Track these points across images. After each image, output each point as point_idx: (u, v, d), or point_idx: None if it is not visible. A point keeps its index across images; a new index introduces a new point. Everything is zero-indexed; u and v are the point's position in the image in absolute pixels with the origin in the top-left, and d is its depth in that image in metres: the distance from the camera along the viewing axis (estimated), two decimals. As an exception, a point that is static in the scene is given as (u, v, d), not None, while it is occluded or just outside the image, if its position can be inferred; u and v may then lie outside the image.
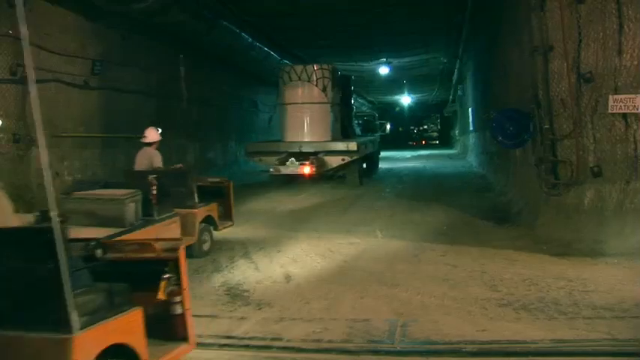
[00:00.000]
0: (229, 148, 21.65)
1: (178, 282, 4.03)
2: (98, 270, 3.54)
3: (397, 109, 51.80)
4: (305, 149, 16.20)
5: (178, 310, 4.09)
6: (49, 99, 10.90)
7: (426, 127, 65.96)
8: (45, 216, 3.60)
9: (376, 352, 4.63)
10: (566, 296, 5.80)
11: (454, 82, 32.33)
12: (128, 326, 3.55)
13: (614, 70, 7.60)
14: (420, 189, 16.46)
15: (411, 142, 55.79)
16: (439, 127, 62.29)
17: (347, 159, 16.22)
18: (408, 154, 37.01)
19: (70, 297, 3.05)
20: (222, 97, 20.52)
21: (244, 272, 7.38)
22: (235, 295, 6.38)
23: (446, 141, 53.08)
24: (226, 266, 7.72)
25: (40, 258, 3.17)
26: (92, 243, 3.91)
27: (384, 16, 17.67)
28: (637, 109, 7.45)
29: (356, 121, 25.09)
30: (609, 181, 7.76)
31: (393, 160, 29.35)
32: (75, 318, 3.06)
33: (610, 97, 7.61)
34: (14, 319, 2.97)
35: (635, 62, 7.47)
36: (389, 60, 25.65)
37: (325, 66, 17.63)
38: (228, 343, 4.92)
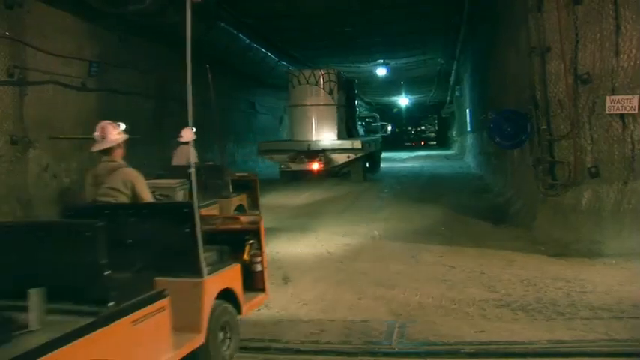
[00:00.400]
0: (227, 148, 21.63)
1: (259, 247, 5.26)
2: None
3: (395, 110, 51.83)
4: (313, 147, 17.49)
5: (258, 268, 5.26)
6: (47, 100, 10.90)
7: (423, 128, 66.00)
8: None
9: (374, 353, 4.63)
10: (564, 297, 5.80)
11: (451, 83, 32.36)
12: (232, 276, 4.75)
13: (612, 71, 7.63)
14: (418, 190, 16.45)
15: (408, 144, 55.82)
16: (437, 128, 62.35)
17: (352, 156, 17.49)
18: (405, 155, 37.05)
19: (202, 253, 4.24)
20: (220, 98, 20.46)
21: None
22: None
23: (443, 142, 53.13)
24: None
25: (182, 225, 4.32)
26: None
27: (382, 17, 17.71)
28: (634, 110, 7.48)
29: (359, 123, 26.27)
30: (607, 182, 7.78)
31: (391, 160, 29.38)
32: (204, 268, 4.26)
33: (607, 97, 7.64)
34: (170, 269, 4.13)
35: (632, 63, 7.50)
36: (386, 61, 25.67)
37: (331, 70, 19.24)
38: (226, 344, 4.91)
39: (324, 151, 17.39)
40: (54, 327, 3.09)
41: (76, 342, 3.06)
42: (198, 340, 4.14)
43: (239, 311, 4.78)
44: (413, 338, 4.91)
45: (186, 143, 9.94)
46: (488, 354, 4.54)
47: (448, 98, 39.10)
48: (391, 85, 34.48)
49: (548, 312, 5.37)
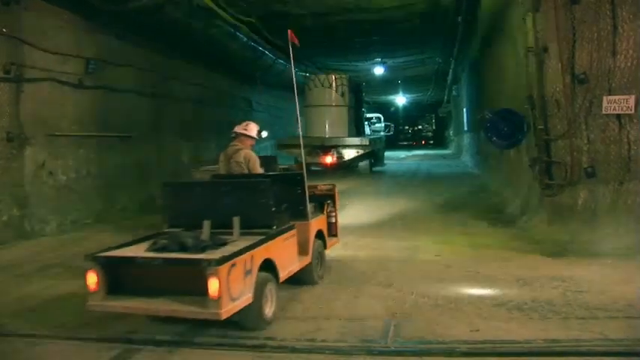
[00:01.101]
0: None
1: (333, 206, 7.53)
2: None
3: (392, 109, 51.92)
4: (327, 143, 19.81)
5: (333, 220, 7.53)
6: (44, 98, 10.89)
7: (420, 127, 66.10)
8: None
9: (370, 352, 4.62)
10: (559, 296, 5.80)
11: (449, 82, 32.41)
12: (322, 223, 7.16)
13: (609, 71, 7.62)
14: (415, 189, 16.49)
15: (405, 143, 55.89)
16: (434, 127, 62.45)
17: (360, 152, 19.98)
18: (402, 154, 37.12)
19: (308, 204, 6.57)
20: (217, 96, 20.49)
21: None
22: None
23: (441, 141, 53.21)
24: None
25: (297, 186, 6.58)
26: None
27: (380, 16, 17.73)
28: (631, 110, 7.47)
29: (365, 122, 28.38)
30: (603, 182, 7.78)
31: (388, 159, 29.32)
32: (309, 214, 6.59)
33: (604, 98, 7.63)
34: (284, 219, 6.11)
35: (629, 63, 7.49)
36: (384, 60, 25.68)
37: (343, 75, 22.21)
38: (222, 342, 4.91)
39: (336, 146, 19.61)
40: (246, 239, 5.41)
41: (260, 246, 5.31)
42: (307, 260, 6.49)
43: (325, 247, 7.18)
44: (408, 337, 4.91)
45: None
46: (483, 353, 4.54)
47: (445, 97, 39.18)
48: (389, 84, 34.56)
49: (544, 311, 5.37)
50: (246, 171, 7.43)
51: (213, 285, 4.59)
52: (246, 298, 4.91)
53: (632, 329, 4.85)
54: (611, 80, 7.61)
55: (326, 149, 18.89)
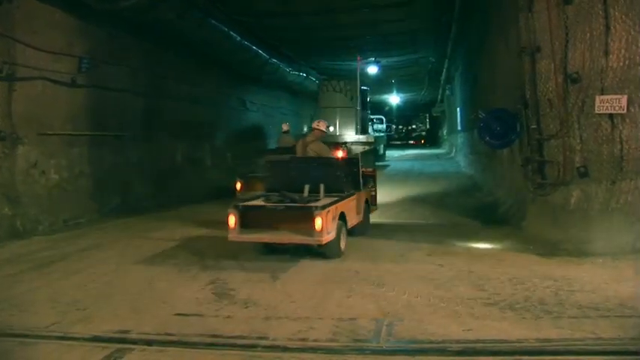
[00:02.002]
0: (217, 147, 21.56)
1: (374, 184, 10.53)
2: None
3: (386, 108, 51.91)
4: (338, 140, 21.68)
5: (373, 193, 10.37)
6: (36, 97, 10.84)
7: (414, 126, 66.11)
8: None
9: (362, 352, 4.62)
10: (552, 296, 5.82)
11: (442, 81, 32.45)
12: (368, 194, 9.93)
13: (601, 71, 7.63)
14: (408, 189, 16.49)
15: (399, 142, 55.96)
16: (428, 126, 62.44)
17: (366, 148, 22.07)
18: (395, 153, 37.16)
19: (361, 179, 9.43)
20: (210, 96, 20.44)
21: (230, 271, 7.36)
22: (222, 294, 6.35)
23: (434, 141, 53.28)
24: (212, 266, 7.70)
25: (355, 166, 9.35)
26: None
27: (373, 15, 17.72)
28: (623, 110, 7.49)
29: (369, 123, 30.95)
30: (595, 181, 7.80)
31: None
32: (361, 186, 9.35)
33: (596, 97, 7.64)
34: (349, 188, 8.73)
35: (622, 63, 7.50)
36: (378, 59, 25.71)
37: (353, 81, 24.65)
38: (214, 342, 4.90)
39: (345, 143, 21.42)
40: (328, 198, 7.95)
41: (339, 203, 7.92)
42: (360, 218, 9.23)
43: (369, 212, 9.99)
44: (401, 337, 4.91)
45: (287, 132, 16.68)
46: (475, 352, 4.55)
47: (439, 97, 39.19)
48: (382, 84, 34.50)
49: (537, 311, 5.38)
50: (316, 155, 9.55)
51: (318, 222, 7.24)
52: (332, 234, 7.60)
53: (624, 328, 4.85)
54: (604, 80, 7.62)
55: (337, 145, 19.25)
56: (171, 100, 16.83)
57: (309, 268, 7.48)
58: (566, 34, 7.89)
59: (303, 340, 4.88)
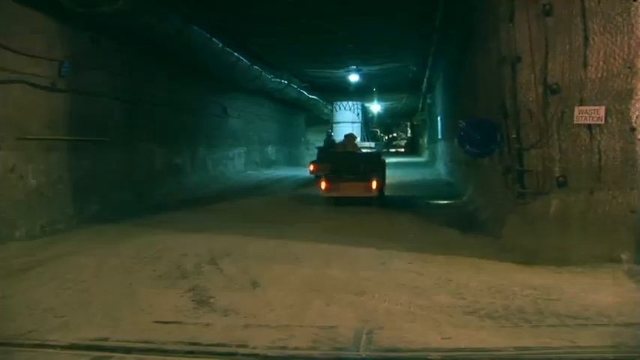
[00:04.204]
0: (198, 153, 21.52)
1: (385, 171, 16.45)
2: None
3: (369, 115, 52.10)
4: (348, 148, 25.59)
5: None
6: (14, 100, 10.70)
7: (395, 134, 66.39)
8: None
9: (342, 360, 4.63)
10: (530, 304, 5.85)
11: (423, 90, 32.57)
12: (384, 177, 15.49)
13: (580, 82, 7.70)
14: (389, 196, 16.54)
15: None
16: (409, 135, 62.74)
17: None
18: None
19: (382, 169, 15.81)
20: (191, 102, 20.40)
21: (210, 278, 7.33)
22: (201, 301, 6.32)
23: (415, 149, 53.51)
24: (192, 272, 7.67)
25: (379, 158, 16.20)
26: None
27: (356, 24, 17.82)
28: (601, 121, 7.56)
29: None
30: (574, 191, 7.87)
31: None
32: (382, 170, 15.55)
33: (576, 108, 7.72)
34: (359, 176, 14.12)
35: (600, 75, 7.58)
36: (359, 67, 25.90)
37: (358, 103, 38.26)
38: (193, 350, 4.88)
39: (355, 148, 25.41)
40: (370, 176, 14.18)
41: (377, 177, 14.24)
42: (382, 187, 14.69)
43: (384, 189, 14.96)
44: (380, 345, 4.90)
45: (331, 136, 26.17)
46: (455, 361, 4.57)
47: (420, 105, 39.37)
48: (364, 92, 34.66)
49: (515, 319, 5.41)
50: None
51: (374, 184, 13.66)
52: (377, 192, 13.88)
53: (602, 337, 4.89)
54: (583, 91, 7.69)
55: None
56: (152, 106, 16.78)
57: (289, 275, 7.47)
58: (546, 45, 7.98)
59: (283, 348, 4.86)
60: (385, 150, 56.91)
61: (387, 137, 63.53)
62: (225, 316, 5.78)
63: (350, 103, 37.14)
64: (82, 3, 11.39)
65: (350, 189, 13.99)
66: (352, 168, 14.36)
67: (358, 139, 28.19)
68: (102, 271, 7.85)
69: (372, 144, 31.08)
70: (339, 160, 15.39)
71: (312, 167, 20.50)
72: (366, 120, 40.33)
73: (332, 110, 39.21)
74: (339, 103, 37.70)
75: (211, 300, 6.35)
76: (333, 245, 9.27)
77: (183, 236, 10.38)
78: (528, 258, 7.72)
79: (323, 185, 14.13)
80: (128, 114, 15.25)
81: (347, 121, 36.75)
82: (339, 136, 29.54)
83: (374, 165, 14.85)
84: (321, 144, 28.22)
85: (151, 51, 16.05)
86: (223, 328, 5.40)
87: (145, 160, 16.47)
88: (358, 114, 38.09)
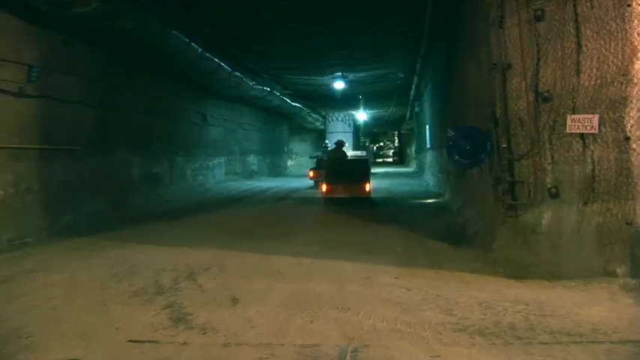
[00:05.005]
0: (176, 163, 21.44)
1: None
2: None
3: (357, 124, 52.23)
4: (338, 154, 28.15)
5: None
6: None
7: (382, 144, 66.53)
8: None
9: (325, 380, 4.59)
10: (522, 320, 5.85)
11: (411, 98, 32.64)
12: (370, 182, 17.85)
13: (573, 90, 7.75)
14: (375, 209, 16.58)
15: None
16: (396, 144, 62.90)
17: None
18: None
19: (370, 173, 19.03)
20: (169, 109, 20.35)
21: (188, 294, 7.27)
22: (178, 318, 6.26)
23: (403, 159, 53.68)
24: (169, 288, 7.60)
25: (365, 164, 19.08)
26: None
27: (342, 29, 17.86)
28: (595, 130, 7.61)
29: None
30: (567, 203, 7.90)
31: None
32: (370, 178, 18.63)
33: (568, 116, 7.77)
34: (354, 179, 17.31)
35: (593, 82, 7.63)
36: (345, 74, 25.92)
37: (350, 114, 42.98)
38: (169, 370, 4.82)
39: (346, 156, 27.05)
40: (362, 180, 17.40)
41: (368, 180, 17.75)
42: (367, 194, 17.13)
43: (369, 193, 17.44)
44: (366, 364, 4.88)
45: (343, 145, 23.24)
46: (443, 380, 4.54)
47: (408, 114, 39.43)
48: (349, 99, 34.72)
49: (507, 336, 5.40)
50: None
51: (367, 186, 17.06)
52: (369, 193, 17.21)
53: (596, 354, 4.89)
54: (575, 99, 7.75)
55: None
56: (128, 113, 16.71)
57: (271, 290, 7.42)
58: (538, 52, 8.04)
59: (264, 367, 4.83)
60: (372, 160, 57.27)
61: (374, 147, 63.90)
62: (204, 334, 5.72)
63: (342, 114, 42.72)
64: (53, 4, 11.30)
65: (346, 191, 17.09)
66: (348, 173, 17.83)
67: (350, 150, 33.58)
68: (73, 287, 7.76)
69: (364, 152, 36.31)
70: (335, 166, 18.65)
71: (311, 174, 24.72)
72: (357, 130, 46.04)
73: (324, 121, 44.75)
74: (331, 114, 43.34)
75: (189, 317, 6.29)
76: (316, 259, 9.24)
77: (161, 250, 10.31)
78: (520, 272, 7.74)
79: (324, 188, 17.29)
80: (103, 121, 15.16)
81: (339, 131, 42.05)
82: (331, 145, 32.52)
83: (365, 170, 18.22)
84: (315, 153, 33.82)
85: (128, 56, 16.00)
86: (201, 346, 5.35)
87: (121, 170, 16.37)
88: (350, 125, 44.05)
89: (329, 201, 17.22)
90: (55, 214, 12.55)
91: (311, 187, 24.93)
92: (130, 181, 16.92)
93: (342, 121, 43.92)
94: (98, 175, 14.79)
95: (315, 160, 28.36)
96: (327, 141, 35.45)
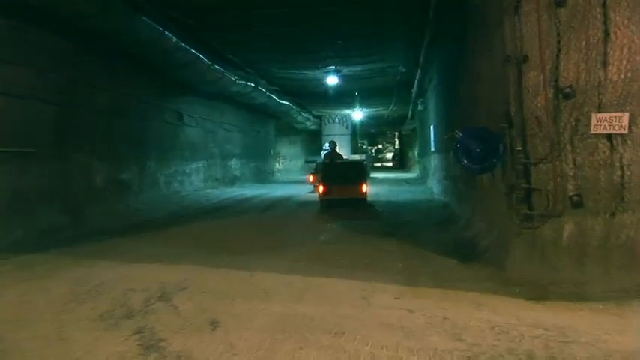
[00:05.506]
0: (148, 168, 21.34)
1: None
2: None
3: (354, 124, 52.38)
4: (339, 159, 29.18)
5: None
6: None
7: (381, 146, 66.70)
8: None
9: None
10: (541, 348, 5.79)
11: (414, 95, 32.62)
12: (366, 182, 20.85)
13: (599, 85, 7.72)
14: (373, 219, 16.56)
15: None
16: (397, 147, 63.06)
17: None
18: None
19: (366, 174, 23.11)
20: (139, 107, 20.25)
21: (161, 317, 7.19)
22: (150, 345, 6.18)
23: (405, 163, 53.83)
24: (139, 310, 7.51)
25: (362, 166, 22.03)
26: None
27: (334, 16, 17.80)
28: (624, 130, 7.57)
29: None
30: (591, 213, 7.85)
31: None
32: (367, 180, 22.57)
33: (593, 115, 7.73)
34: (350, 181, 19.47)
35: (623, 75, 7.60)
36: (338, 68, 25.91)
37: (347, 115, 45.33)
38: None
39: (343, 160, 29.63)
40: (359, 182, 19.94)
41: (365, 181, 20.60)
42: (364, 195, 19.70)
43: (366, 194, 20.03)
44: (364, 398, 4.82)
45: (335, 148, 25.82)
46: (453, 417, 4.48)
47: (410, 113, 39.48)
48: (343, 96, 34.73)
49: (524, 366, 5.34)
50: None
51: (364, 187, 19.55)
52: (366, 194, 19.82)
53: (627, 388, 4.84)
54: (602, 95, 7.71)
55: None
56: (92, 111, 16.60)
57: (256, 313, 7.34)
58: (558, 42, 7.99)
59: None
60: (371, 164, 57.48)
61: (372, 150, 64.30)
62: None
63: (339, 116, 45.72)
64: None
65: (343, 192, 19.09)
66: (344, 174, 19.92)
67: (347, 153, 38.21)
68: (25, 311, 7.64)
69: (363, 156, 38.64)
70: (332, 168, 21.11)
71: (311, 178, 27.38)
72: (355, 132, 48.63)
73: (320, 123, 47.48)
74: (327, 116, 46.40)
75: (162, 344, 6.21)
76: (307, 277, 9.18)
77: (130, 267, 10.22)
78: (538, 292, 7.68)
79: (320, 189, 19.34)
80: (63, 120, 15.02)
81: (336, 133, 43.97)
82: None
83: (361, 171, 20.77)
84: (311, 158, 38.39)
85: (91, 45, 15.88)
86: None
87: (83, 176, 16.25)
88: (347, 126, 46.80)
89: (325, 203, 19.17)
90: (4, 228, 12.33)
91: (310, 192, 26.12)
92: (93, 189, 16.81)
93: (339, 122, 46.43)
94: (56, 182, 14.65)
95: (312, 164, 31.67)
96: (328, 144, 36.59)
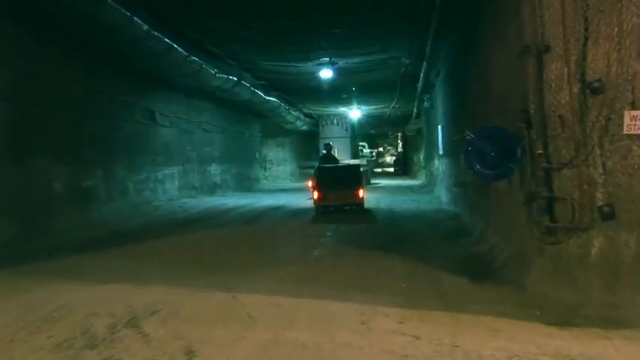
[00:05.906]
0: (116, 174, 21.31)
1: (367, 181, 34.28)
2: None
3: (354, 127, 52.55)
4: (338, 163, 29.81)
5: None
6: None
7: (381, 149, 66.91)
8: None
9: None
10: (567, 381, 5.75)
11: (419, 90, 32.64)
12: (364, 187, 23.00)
13: (633, 78, 7.66)
14: (374, 232, 16.54)
15: None
16: (400, 149, 63.24)
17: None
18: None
19: (362, 179, 23.56)
20: (106, 104, 20.19)
21: (129, 347, 7.12)
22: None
23: (409, 168, 54.02)
24: (104, 339, 7.44)
25: (358, 170, 23.24)
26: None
27: (328, 2, 17.80)
28: (662, 129, 7.54)
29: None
30: (625, 226, 7.78)
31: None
32: (364, 184, 25.85)
33: (626, 113, 7.68)
34: (347, 185, 21.52)
35: (661, 67, 7.57)
36: (333, 60, 25.92)
37: (345, 117, 48.03)
38: None
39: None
40: (357, 186, 22.11)
41: (362, 186, 22.43)
42: (364, 199, 21.89)
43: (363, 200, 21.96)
44: None
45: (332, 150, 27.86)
46: None
47: (415, 111, 39.55)
48: (339, 92, 34.79)
49: (547, 403, 5.30)
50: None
51: (360, 193, 21.27)
52: (363, 199, 21.68)
53: None
54: (636, 90, 7.67)
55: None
56: (50, 109, 16.55)
57: (239, 341, 7.29)
58: (586, 29, 7.93)
59: None
60: (372, 169, 57.75)
61: (374, 153, 64.35)
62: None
63: (337, 118, 48.70)
64: None
65: (339, 197, 20.84)
66: (340, 179, 21.60)
67: (348, 157, 40.45)
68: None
69: (363, 161, 41.47)
70: (327, 172, 22.37)
71: (310, 183, 27.88)
72: (354, 134, 51.41)
73: (313, 123, 50.16)
74: (325, 117, 49.39)
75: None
76: (298, 299, 9.14)
77: (93, 289, 10.16)
78: (562, 317, 7.63)
79: (315, 195, 20.92)
80: (16, 119, 14.98)
81: (334, 136, 46.25)
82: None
83: (358, 175, 22.07)
84: (306, 163, 41.90)
85: (50, 33, 15.83)
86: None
87: (40, 183, 16.20)
88: (347, 128, 49.45)
89: (320, 209, 21.06)
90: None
91: (309, 199, 25.54)
92: (52, 198, 16.75)
93: (337, 124, 49.40)
94: (10, 190, 14.59)
95: (309, 169, 34.45)
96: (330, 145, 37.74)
